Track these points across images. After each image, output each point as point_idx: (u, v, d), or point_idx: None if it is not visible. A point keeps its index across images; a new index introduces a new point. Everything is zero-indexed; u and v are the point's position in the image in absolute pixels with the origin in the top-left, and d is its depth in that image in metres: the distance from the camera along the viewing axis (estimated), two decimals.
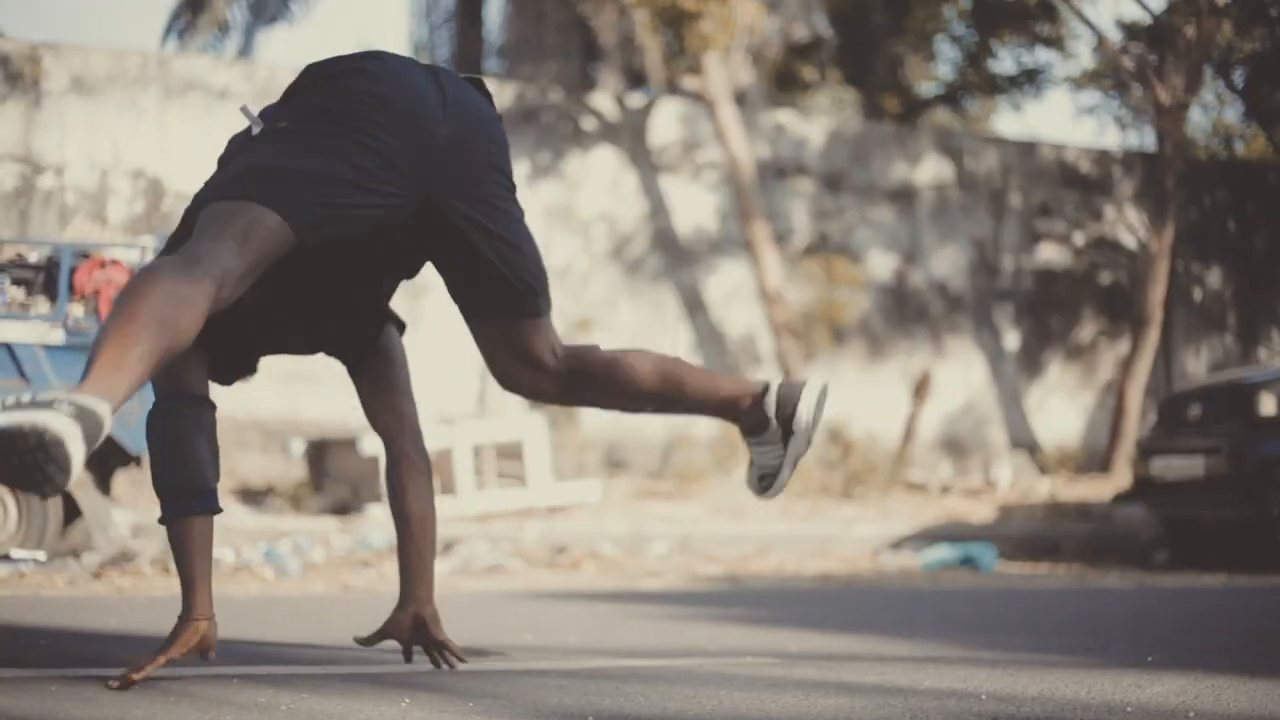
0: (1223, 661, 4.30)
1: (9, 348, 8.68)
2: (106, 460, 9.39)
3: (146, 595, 7.43)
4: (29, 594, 7.35)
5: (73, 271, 8.81)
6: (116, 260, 8.94)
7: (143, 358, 2.83)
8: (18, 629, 4.36)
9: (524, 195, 13.08)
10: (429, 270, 13.90)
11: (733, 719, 3.14)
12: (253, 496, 13.16)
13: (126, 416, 8.75)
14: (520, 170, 15.19)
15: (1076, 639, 5.21)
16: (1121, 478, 14.67)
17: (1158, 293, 15.43)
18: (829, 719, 3.12)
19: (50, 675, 3.62)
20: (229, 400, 12.85)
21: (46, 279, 8.94)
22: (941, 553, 11.45)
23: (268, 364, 14.59)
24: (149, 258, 8.90)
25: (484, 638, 4.97)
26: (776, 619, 6.24)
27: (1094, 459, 16.36)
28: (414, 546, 4.01)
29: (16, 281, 8.95)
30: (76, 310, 8.77)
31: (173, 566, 8.76)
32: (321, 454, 13.11)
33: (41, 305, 8.85)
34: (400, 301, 15.05)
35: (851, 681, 3.72)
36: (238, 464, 13.57)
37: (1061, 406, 16.95)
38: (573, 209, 15.38)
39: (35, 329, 8.74)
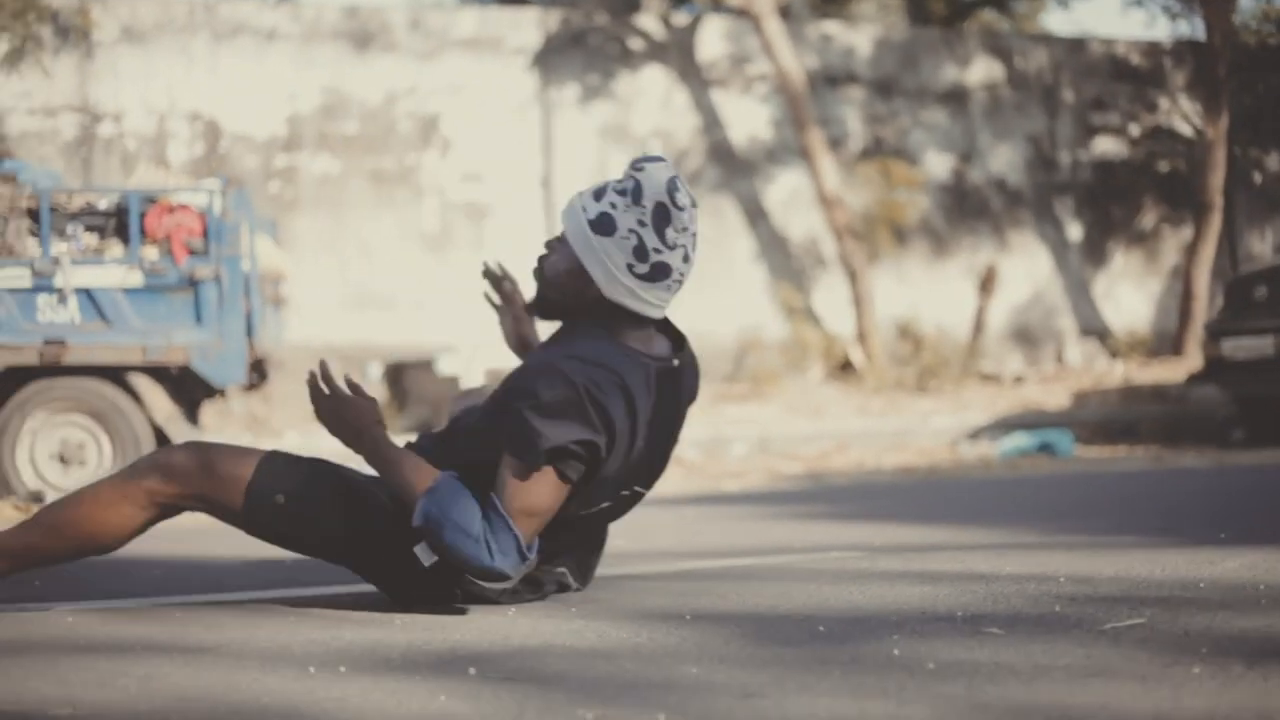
0: None
1: (89, 293, 8.86)
2: (194, 393, 9.62)
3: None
4: None
5: (142, 217, 8.97)
6: (184, 204, 9.08)
7: None
8: (127, 560, 4.50)
9: (577, 117, 13.14)
10: (491, 193, 13.93)
11: (822, 611, 3.25)
12: None
13: (207, 351, 8.95)
14: (571, 93, 15.25)
15: (1153, 520, 5.29)
16: (1193, 360, 14.67)
17: (1217, 179, 15.38)
18: (915, 606, 3.23)
19: (171, 602, 3.76)
20: (304, 329, 13.02)
21: (117, 225, 9.12)
22: (1019, 440, 11.51)
23: (341, 291, 14.72)
24: (215, 201, 9.05)
25: None
26: (859, 514, 6.35)
27: (1164, 343, 16.34)
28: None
29: (89, 228, 9.13)
30: (150, 254, 8.94)
31: None
32: (400, 376, 13.31)
33: (115, 250, 9.01)
34: (462, 224, 15.16)
35: (934, 570, 3.82)
36: None
37: (1129, 293, 16.92)
38: (626, 127, 15.43)
39: (113, 273, 8.91)
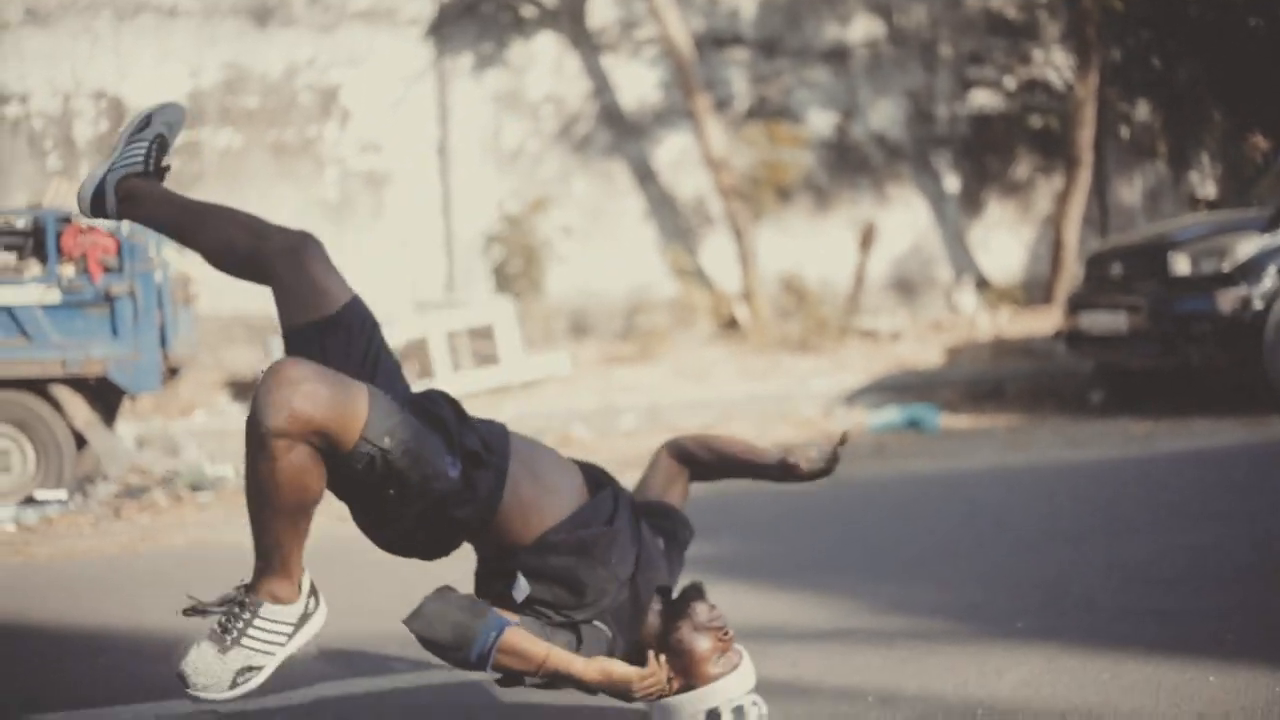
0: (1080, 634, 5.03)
1: (9, 310, 9.40)
2: (110, 400, 10.21)
3: (169, 547, 8.14)
4: (66, 551, 8.06)
5: (59, 236, 9.48)
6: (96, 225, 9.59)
7: None
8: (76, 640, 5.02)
9: (471, 86, 13.66)
10: (389, 160, 14.57)
11: None
12: (242, 389, 13.89)
13: (124, 362, 9.53)
14: (465, 62, 15.73)
15: (973, 586, 5.94)
16: (1061, 309, 15.47)
17: (1086, 135, 16.21)
18: None
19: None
20: (215, 299, 13.57)
21: (34, 244, 9.63)
22: (888, 416, 12.26)
23: None
24: (124, 223, 9.55)
25: None
26: (701, 561, 6.26)
27: (1037, 287, 17.14)
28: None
29: (7, 248, 9.64)
30: (67, 271, 9.47)
31: (185, 495, 9.60)
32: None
33: (34, 269, 9.54)
34: (362, 193, 15.67)
35: (762, 679, 4.07)
36: (225, 357, 14.28)
37: (1004, 241, 17.65)
38: (520, 94, 15.93)
39: (32, 291, 9.44)
